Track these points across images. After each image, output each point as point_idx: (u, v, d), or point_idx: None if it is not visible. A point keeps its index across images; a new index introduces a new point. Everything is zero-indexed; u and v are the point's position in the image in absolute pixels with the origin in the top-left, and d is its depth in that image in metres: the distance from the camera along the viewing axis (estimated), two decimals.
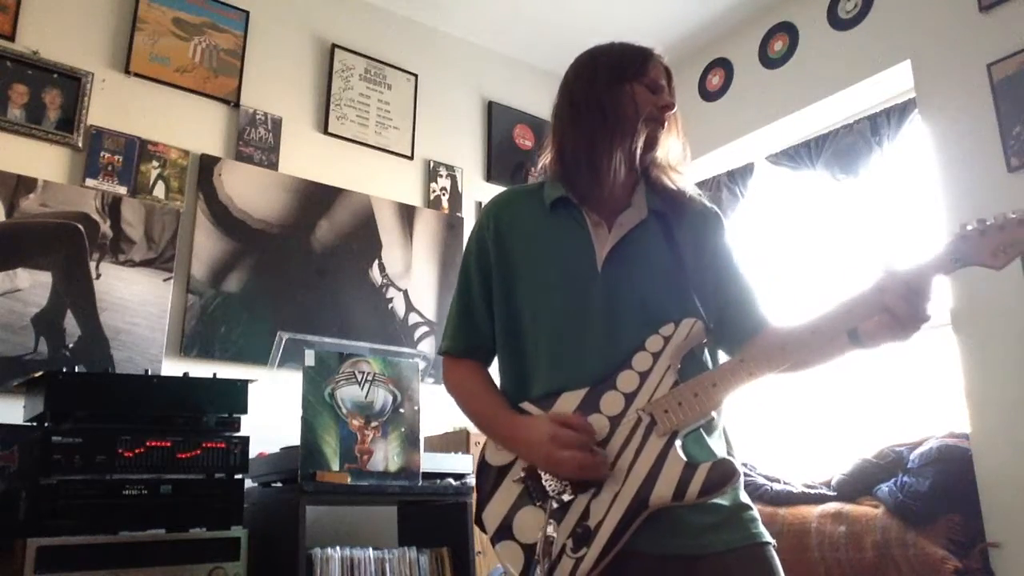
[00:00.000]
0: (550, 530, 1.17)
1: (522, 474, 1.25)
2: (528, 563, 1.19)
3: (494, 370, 1.41)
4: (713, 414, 1.29)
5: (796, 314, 1.24)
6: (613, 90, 1.33)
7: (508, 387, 1.35)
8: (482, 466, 1.31)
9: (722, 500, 1.22)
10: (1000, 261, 1.11)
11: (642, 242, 1.32)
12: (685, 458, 1.16)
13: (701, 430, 1.24)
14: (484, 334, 1.38)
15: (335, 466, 2.24)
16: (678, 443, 1.18)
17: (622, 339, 1.25)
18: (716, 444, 1.27)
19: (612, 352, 1.25)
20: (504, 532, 1.23)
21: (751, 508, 1.26)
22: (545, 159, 1.43)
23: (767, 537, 1.23)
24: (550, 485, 1.21)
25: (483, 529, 1.26)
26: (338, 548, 2.27)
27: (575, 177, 1.34)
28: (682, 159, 1.40)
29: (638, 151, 1.33)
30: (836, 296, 1.19)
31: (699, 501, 1.13)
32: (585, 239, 1.32)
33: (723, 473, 1.13)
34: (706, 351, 1.31)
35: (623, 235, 1.31)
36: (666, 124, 1.36)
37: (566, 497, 1.19)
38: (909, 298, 1.11)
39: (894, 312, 1.12)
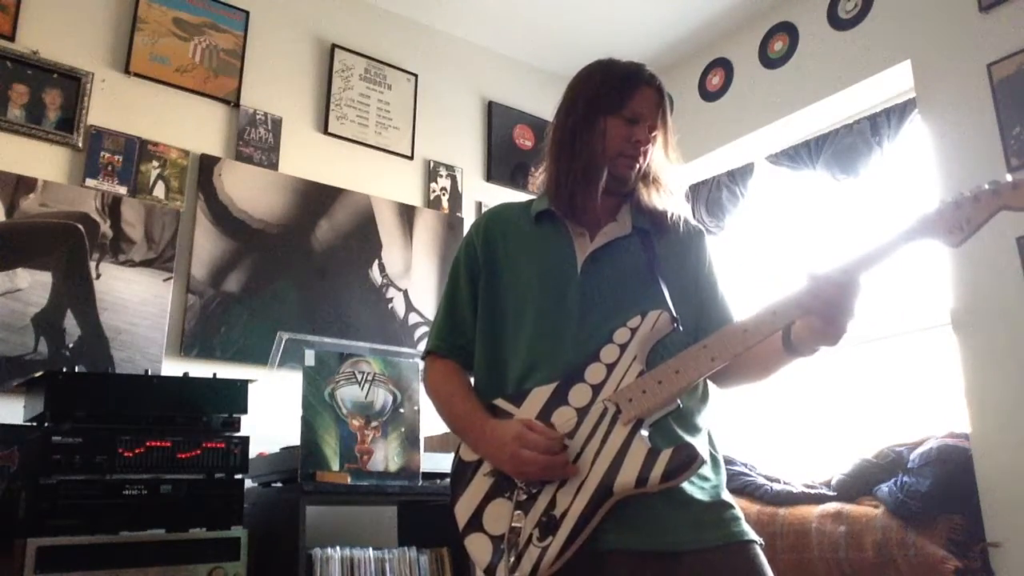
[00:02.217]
0: (517, 521, 1.19)
1: (492, 467, 1.27)
2: (495, 554, 1.20)
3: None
4: (697, 420, 1.32)
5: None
6: (586, 123, 1.37)
7: (485, 384, 1.39)
8: (457, 463, 1.34)
9: (703, 498, 1.24)
10: (957, 238, 1.13)
11: (622, 251, 1.37)
12: (649, 445, 1.18)
13: (678, 429, 1.26)
14: (467, 335, 1.43)
15: (335, 466, 2.24)
16: (643, 431, 1.19)
17: (593, 335, 1.29)
18: (700, 446, 1.27)
19: (583, 347, 1.28)
20: (474, 525, 1.25)
21: (733, 507, 1.27)
22: (541, 175, 1.49)
23: (751, 535, 1.24)
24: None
25: (455, 523, 1.29)
26: (338, 548, 2.27)
27: (556, 197, 1.40)
28: (673, 178, 1.44)
29: (601, 185, 1.37)
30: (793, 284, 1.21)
31: (663, 486, 1.14)
32: (567, 246, 1.38)
33: (685, 458, 1.14)
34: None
35: (604, 243, 1.37)
36: (641, 158, 1.38)
37: (534, 488, 1.21)
38: (832, 296, 1.13)
39: (818, 313, 1.14)
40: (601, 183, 1.37)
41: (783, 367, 1.30)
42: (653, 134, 1.38)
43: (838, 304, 1.13)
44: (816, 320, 1.15)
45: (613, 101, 1.36)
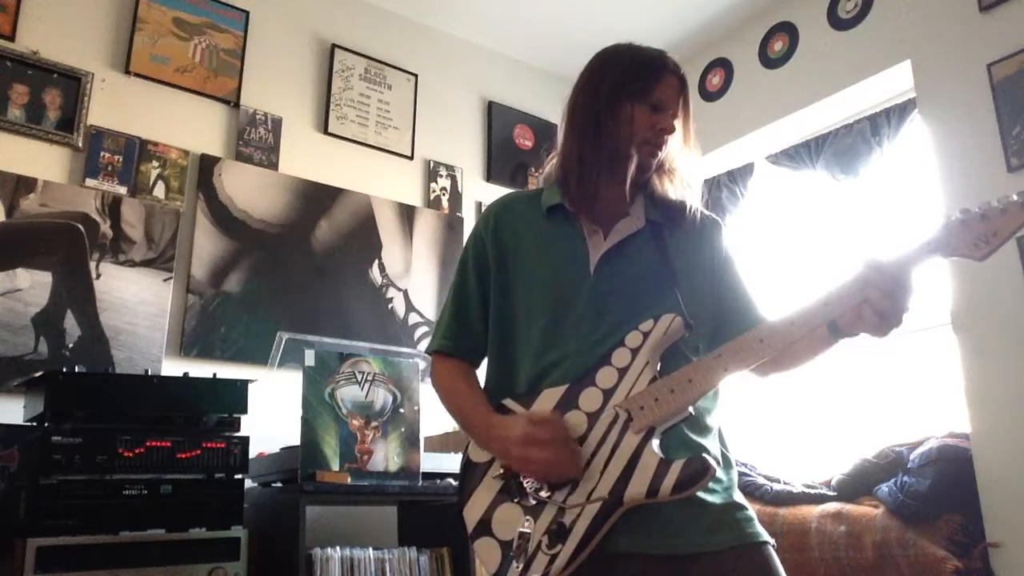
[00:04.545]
0: (526, 527, 1.17)
1: (501, 470, 1.26)
2: (505, 560, 1.19)
3: (480, 371, 1.42)
4: (708, 420, 1.30)
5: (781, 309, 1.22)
6: (611, 109, 1.32)
7: (494, 384, 1.37)
8: (465, 464, 1.32)
9: (714, 499, 1.22)
10: (981, 252, 1.08)
11: (635, 249, 1.33)
12: (661, 455, 1.16)
13: (688, 431, 1.24)
14: (476, 334, 1.40)
15: (335, 466, 2.24)
16: (655, 440, 1.17)
17: (605, 338, 1.26)
18: (711, 445, 1.26)
19: (595, 350, 1.26)
20: (483, 529, 1.23)
21: (746, 508, 1.25)
22: (551, 162, 1.44)
23: (764, 536, 1.22)
24: (528, 481, 1.22)
25: (464, 526, 1.27)
26: (338, 548, 2.27)
27: (569, 190, 1.36)
28: (690, 169, 1.39)
29: (629, 174, 1.34)
30: (817, 289, 1.18)
31: (673, 498, 1.12)
32: (580, 245, 1.34)
33: (696, 469, 1.12)
34: (700, 350, 1.31)
35: (617, 242, 1.33)
36: (663, 147, 1.34)
37: (543, 494, 1.20)
38: (890, 291, 1.10)
39: (874, 305, 1.11)
40: (630, 172, 1.33)
41: (824, 353, 1.26)
42: (675, 122, 1.34)
43: (888, 298, 1.10)
44: (867, 310, 1.12)
45: (639, 87, 1.32)
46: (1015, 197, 1.07)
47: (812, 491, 2.84)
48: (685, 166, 1.39)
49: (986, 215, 1.08)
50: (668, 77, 1.34)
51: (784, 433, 3.42)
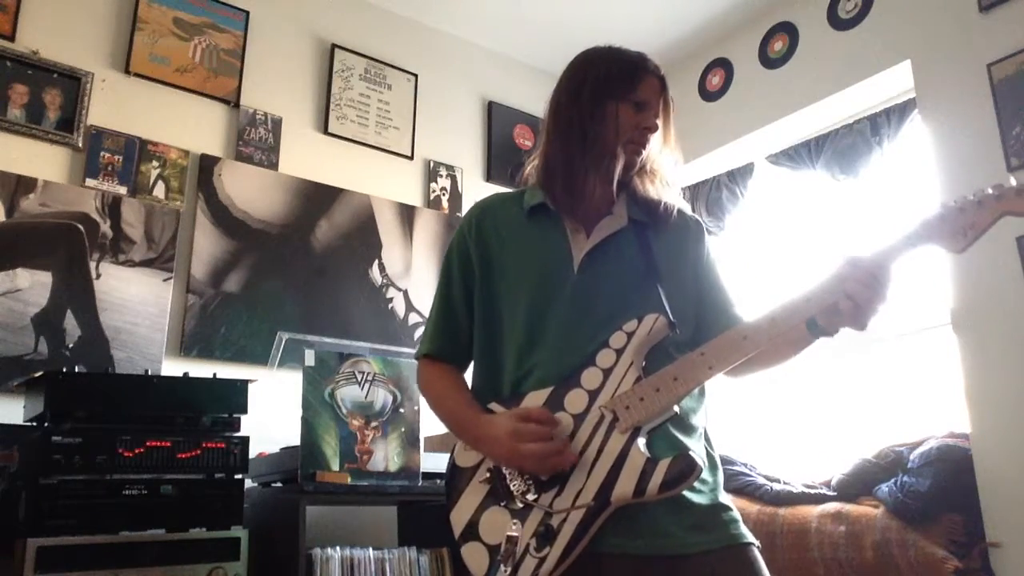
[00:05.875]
0: (514, 530, 1.17)
1: (487, 474, 1.26)
2: (492, 564, 1.18)
3: (468, 373, 1.42)
4: (693, 420, 1.30)
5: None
6: (596, 108, 1.33)
7: (480, 387, 1.37)
8: (451, 468, 1.32)
9: (700, 500, 1.22)
10: (960, 244, 1.10)
11: (618, 248, 1.34)
12: (647, 454, 1.16)
13: (674, 431, 1.24)
14: (463, 337, 1.40)
15: (335, 466, 2.24)
16: (641, 440, 1.17)
17: (590, 339, 1.26)
18: (695, 446, 1.26)
19: (579, 351, 1.26)
20: (470, 533, 1.23)
21: (731, 509, 1.26)
22: (533, 163, 1.44)
23: (749, 537, 1.23)
24: (515, 485, 1.22)
25: (451, 531, 1.26)
26: (338, 548, 2.27)
27: (553, 190, 1.36)
28: (671, 169, 1.41)
29: (616, 173, 1.34)
30: (799, 286, 1.19)
31: (660, 496, 1.13)
32: (563, 244, 1.34)
33: (683, 467, 1.12)
34: (684, 348, 1.31)
35: (600, 240, 1.33)
36: (647, 145, 1.35)
37: (530, 496, 1.20)
38: (869, 283, 1.12)
39: (854, 298, 1.13)
40: (617, 170, 1.33)
41: (802, 352, 1.28)
42: (657, 121, 1.35)
43: (868, 290, 1.12)
44: (847, 304, 1.14)
45: (622, 86, 1.33)
46: (990, 190, 1.09)
47: (812, 491, 2.84)
48: (666, 166, 1.40)
49: (963, 208, 1.10)
50: (649, 77, 1.35)
51: (784, 433, 3.42)
